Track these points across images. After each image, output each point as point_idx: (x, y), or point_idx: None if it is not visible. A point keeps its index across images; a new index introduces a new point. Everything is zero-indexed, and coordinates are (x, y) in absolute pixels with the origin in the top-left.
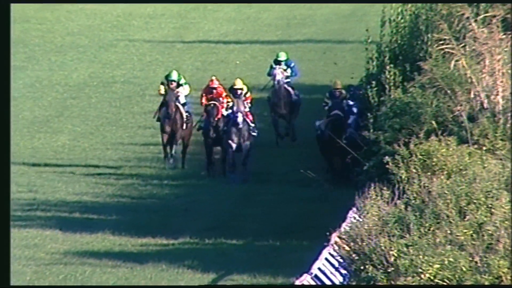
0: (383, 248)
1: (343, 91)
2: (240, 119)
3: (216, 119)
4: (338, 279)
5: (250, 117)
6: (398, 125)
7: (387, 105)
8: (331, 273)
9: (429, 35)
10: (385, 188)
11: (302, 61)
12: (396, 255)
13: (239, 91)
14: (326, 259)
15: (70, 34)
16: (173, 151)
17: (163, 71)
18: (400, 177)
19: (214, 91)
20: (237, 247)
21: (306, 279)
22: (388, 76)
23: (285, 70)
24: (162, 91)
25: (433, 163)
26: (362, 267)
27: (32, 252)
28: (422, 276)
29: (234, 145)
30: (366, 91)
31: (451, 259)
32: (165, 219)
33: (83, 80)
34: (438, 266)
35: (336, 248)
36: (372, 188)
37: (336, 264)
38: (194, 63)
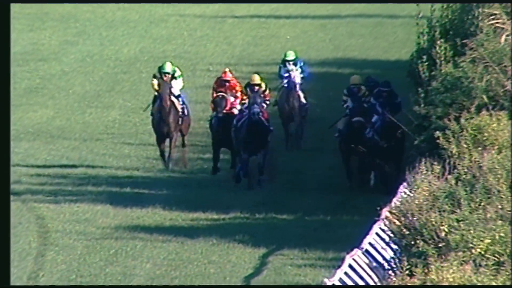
0: (433, 223)
1: (362, 87)
2: (256, 110)
3: (224, 111)
4: (388, 254)
5: (266, 115)
6: (449, 100)
7: (438, 79)
8: (382, 248)
9: (480, 10)
10: (435, 163)
11: (353, 36)
12: (447, 230)
13: (256, 87)
14: (377, 234)
15: (120, 9)
16: (170, 152)
17: (213, 46)
18: (451, 152)
19: (227, 84)
20: (288, 222)
21: (357, 254)
22: (439, 51)
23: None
24: (156, 85)
25: (484, 138)
26: (412, 242)
27: (82, 227)
28: (473, 250)
29: (247, 153)
30: (417, 66)
31: (501, 234)
32: (215, 194)
33: (134, 55)
34: (488, 241)
35: (387, 223)
36: (423, 163)
37: (387, 239)
38: (244, 38)
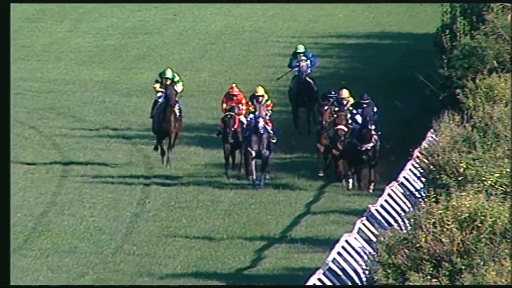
0: (454, 161)
1: (351, 99)
2: (261, 124)
3: (232, 129)
4: (419, 185)
5: (270, 124)
6: (466, 65)
7: (458, 49)
8: (414, 180)
9: None
10: (456, 114)
11: (391, 14)
12: (465, 166)
13: (260, 98)
14: (410, 170)
15: None
16: (170, 154)
17: (282, 22)
18: (468, 105)
19: (234, 98)
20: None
21: (394, 185)
22: (459, 26)
23: (304, 61)
24: (158, 88)
25: (494, 94)
26: (438, 176)
27: (179, 164)
28: (485, 183)
29: (254, 153)
30: (441, 38)
31: (508, 170)
32: None
33: (220, 30)
34: (497, 175)
35: (418, 161)
36: (446, 114)
37: (418, 174)
38: (306, 16)
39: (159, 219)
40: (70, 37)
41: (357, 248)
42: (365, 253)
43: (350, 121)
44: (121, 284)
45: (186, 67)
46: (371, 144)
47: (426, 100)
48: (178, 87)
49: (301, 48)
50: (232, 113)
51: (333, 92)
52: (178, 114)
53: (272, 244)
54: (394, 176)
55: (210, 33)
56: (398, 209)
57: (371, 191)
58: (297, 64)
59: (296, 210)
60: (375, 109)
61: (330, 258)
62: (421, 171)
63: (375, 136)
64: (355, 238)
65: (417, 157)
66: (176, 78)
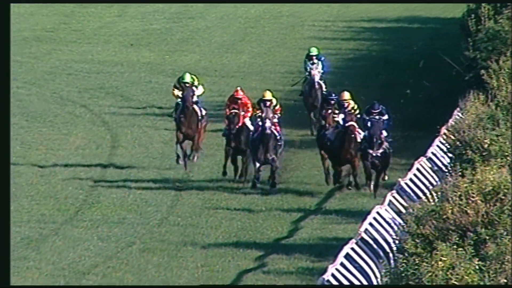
0: (479, 137)
1: (351, 102)
2: (268, 124)
3: (237, 126)
4: (446, 160)
5: (278, 128)
6: (490, 47)
7: (483, 32)
8: (441, 156)
9: None
10: (480, 93)
11: None
12: (489, 142)
13: (268, 103)
14: (437, 146)
15: None
16: (187, 153)
17: (317, 7)
18: (492, 85)
19: (239, 101)
20: None
21: (422, 160)
22: (483, 11)
23: (317, 64)
24: (176, 93)
25: None
26: (463, 152)
27: (221, 140)
28: (508, 158)
29: (259, 162)
30: (467, 21)
31: None
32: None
33: (259, 14)
34: None
35: (445, 137)
36: (471, 93)
37: (445, 149)
38: (340, 1)
39: (201, 192)
40: (119, 21)
41: (387, 219)
42: (395, 224)
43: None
44: (165, 253)
45: (227, 49)
46: (380, 150)
47: (452, 80)
48: (199, 90)
49: (314, 51)
50: (237, 111)
51: (333, 95)
52: (200, 114)
53: (307, 216)
54: (422, 152)
55: (250, 18)
56: (426, 182)
57: (376, 193)
58: (310, 69)
59: (330, 184)
60: (385, 117)
61: (362, 229)
62: (448, 147)
63: (386, 144)
64: (386, 210)
65: (444, 133)
66: (196, 82)
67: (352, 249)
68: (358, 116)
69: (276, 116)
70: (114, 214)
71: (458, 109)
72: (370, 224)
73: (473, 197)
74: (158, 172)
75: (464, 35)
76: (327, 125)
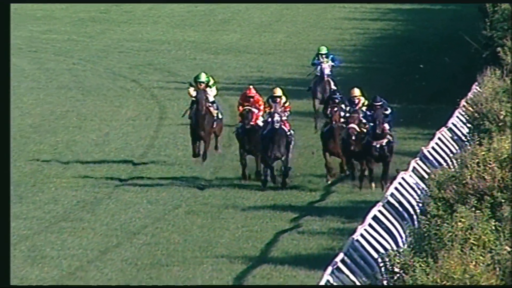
0: (495, 109)
1: (362, 98)
2: (276, 118)
3: (250, 123)
4: (465, 130)
5: (288, 125)
6: (506, 26)
7: (499, 13)
8: (461, 126)
9: None
10: (496, 69)
11: None
12: (504, 114)
13: (278, 99)
14: (457, 117)
15: None
16: (201, 151)
17: None
18: (507, 61)
19: (251, 99)
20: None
21: (444, 131)
22: None
23: (327, 61)
24: (192, 93)
25: None
26: (481, 122)
27: None
28: None
29: (270, 159)
30: (484, 4)
31: None
32: None
33: None
34: None
35: (464, 109)
36: (488, 69)
37: (464, 120)
38: None
39: None
40: (166, 3)
41: (411, 184)
42: (418, 188)
43: (364, 120)
44: (208, 215)
45: (265, 29)
46: (384, 141)
47: (471, 57)
48: (212, 91)
49: (323, 50)
50: (251, 108)
51: (337, 93)
52: (215, 115)
53: (338, 181)
54: (443, 122)
55: (286, 0)
56: (447, 150)
57: (385, 185)
58: (320, 64)
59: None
60: (388, 111)
61: (388, 193)
62: (467, 118)
63: (388, 136)
64: (410, 175)
65: (464, 106)
66: (211, 82)
67: (380, 211)
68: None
69: (286, 113)
70: (161, 179)
71: (476, 83)
72: (396, 188)
73: (490, 164)
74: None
75: (482, 16)
76: (333, 122)
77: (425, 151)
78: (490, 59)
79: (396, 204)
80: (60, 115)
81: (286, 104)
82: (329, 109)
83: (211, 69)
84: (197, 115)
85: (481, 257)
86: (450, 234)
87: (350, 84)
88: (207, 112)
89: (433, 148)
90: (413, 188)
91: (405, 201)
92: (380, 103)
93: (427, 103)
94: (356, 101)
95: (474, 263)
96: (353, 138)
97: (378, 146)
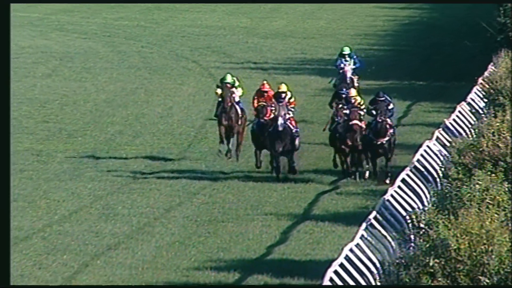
0: (508, 86)
1: (358, 98)
2: (280, 122)
3: (266, 118)
4: (482, 104)
5: (293, 122)
6: None
7: None
8: (478, 101)
9: None
10: (510, 51)
11: None
12: None
13: (283, 95)
14: (475, 92)
15: None
16: (230, 145)
17: None
18: None
19: (266, 94)
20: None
21: (463, 105)
22: None
23: (349, 61)
24: (219, 93)
25: None
26: (496, 98)
27: (302, 89)
28: None
29: (277, 150)
30: None
31: None
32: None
33: None
34: None
35: (481, 86)
36: (502, 51)
37: (481, 96)
38: None
39: None
40: None
41: (435, 151)
42: (441, 155)
43: (365, 115)
44: (259, 178)
45: (308, 16)
46: (386, 138)
47: (487, 41)
48: (238, 91)
49: (347, 50)
50: (265, 103)
51: (344, 89)
52: (240, 113)
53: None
54: (463, 97)
55: None
56: (466, 122)
57: (388, 182)
58: (342, 65)
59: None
60: (390, 106)
61: (415, 159)
62: (484, 93)
63: (391, 130)
64: (434, 144)
65: (481, 83)
66: (236, 83)
67: (407, 175)
68: (364, 109)
69: (291, 110)
70: (218, 147)
71: (491, 63)
72: (421, 155)
73: (503, 133)
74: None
75: (497, 4)
76: (338, 118)
77: (447, 123)
78: (504, 42)
79: (422, 169)
80: (130, 91)
81: (292, 100)
82: (334, 105)
83: (261, 52)
84: (224, 113)
85: (495, 215)
86: (468, 194)
87: (383, 64)
88: (233, 111)
89: (454, 119)
90: (436, 155)
91: (430, 166)
92: (382, 98)
93: (449, 81)
94: (353, 100)
95: (489, 220)
96: (357, 133)
97: (379, 143)
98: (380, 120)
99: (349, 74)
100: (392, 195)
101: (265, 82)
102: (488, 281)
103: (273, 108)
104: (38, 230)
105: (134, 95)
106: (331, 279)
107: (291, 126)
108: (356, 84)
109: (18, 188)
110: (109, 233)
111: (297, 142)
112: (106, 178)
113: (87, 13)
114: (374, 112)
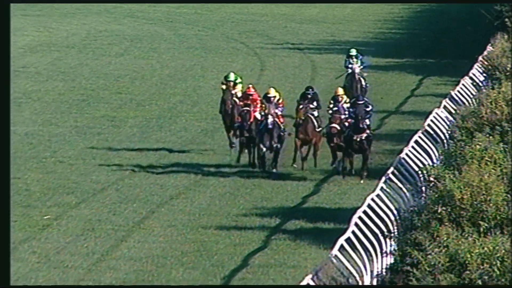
0: (503, 63)
1: (344, 96)
2: (270, 120)
3: (249, 122)
4: (481, 78)
5: (282, 119)
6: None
7: None
8: (478, 75)
9: None
10: (505, 34)
11: None
12: (510, 66)
13: (272, 98)
14: (476, 68)
15: None
16: (235, 141)
17: None
18: None
19: (250, 97)
20: None
21: (466, 78)
22: None
23: (356, 62)
24: (223, 88)
25: None
26: (493, 72)
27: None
28: None
29: (265, 147)
30: None
31: None
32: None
33: None
34: None
35: (481, 63)
36: (499, 34)
37: (481, 71)
38: None
39: None
40: None
41: (443, 117)
42: (448, 120)
43: (344, 119)
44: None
45: (336, 5)
46: (364, 135)
47: (486, 26)
48: (238, 88)
49: (353, 52)
50: (248, 109)
51: (310, 90)
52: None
53: (388, 115)
54: (465, 72)
55: None
56: (468, 93)
57: (364, 176)
58: (351, 65)
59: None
60: (368, 108)
61: (426, 123)
62: (483, 69)
63: (368, 130)
64: (441, 111)
65: (480, 60)
66: (238, 81)
67: (419, 137)
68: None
69: (280, 109)
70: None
71: (489, 44)
72: (431, 120)
73: (499, 102)
74: (291, 87)
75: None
76: (297, 118)
77: (452, 93)
78: (500, 27)
79: (431, 132)
80: (189, 68)
81: (280, 101)
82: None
83: (297, 34)
84: (226, 112)
85: (492, 170)
86: (470, 153)
87: (399, 45)
88: (235, 109)
89: (458, 91)
90: (443, 120)
91: (438, 129)
92: (362, 102)
93: (455, 59)
94: (340, 99)
95: (488, 174)
96: (335, 136)
97: (358, 139)
98: (359, 121)
99: (357, 70)
100: (407, 154)
101: (250, 86)
102: (486, 225)
103: (255, 110)
104: (112, 183)
105: (192, 70)
106: (356, 224)
107: (280, 124)
108: (364, 84)
109: (95, 148)
110: (171, 185)
111: (283, 138)
112: (169, 140)
113: (154, 2)
114: (353, 114)
